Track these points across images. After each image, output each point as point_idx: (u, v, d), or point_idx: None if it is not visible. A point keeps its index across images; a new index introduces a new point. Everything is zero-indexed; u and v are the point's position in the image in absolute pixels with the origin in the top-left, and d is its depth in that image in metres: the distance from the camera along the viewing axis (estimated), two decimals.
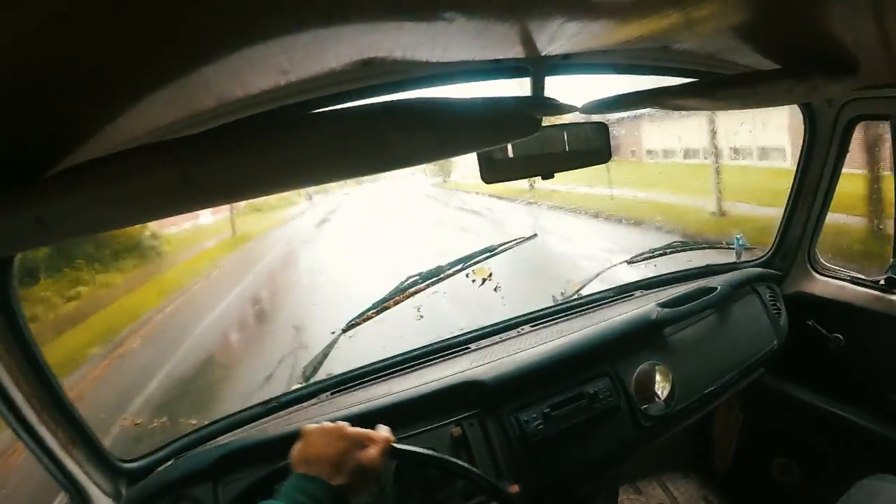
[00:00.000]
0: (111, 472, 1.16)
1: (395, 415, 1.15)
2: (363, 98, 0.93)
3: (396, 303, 1.61)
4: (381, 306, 1.58)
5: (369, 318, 1.56)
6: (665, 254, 1.84)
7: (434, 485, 1.10)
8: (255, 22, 0.47)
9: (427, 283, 1.64)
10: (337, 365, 1.51)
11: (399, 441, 0.89)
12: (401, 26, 0.63)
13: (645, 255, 1.83)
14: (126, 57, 0.45)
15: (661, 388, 1.35)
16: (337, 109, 0.64)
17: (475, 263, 1.72)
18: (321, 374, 1.48)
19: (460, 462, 0.93)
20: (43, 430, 0.99)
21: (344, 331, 1.55)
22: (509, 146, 0.95)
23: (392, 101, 0.65)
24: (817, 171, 1.58)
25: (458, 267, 1.68)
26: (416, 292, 1.63)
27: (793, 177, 1.66)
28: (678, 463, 2.09)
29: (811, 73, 0.97)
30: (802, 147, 1.62)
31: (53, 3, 0.32)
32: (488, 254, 1.73)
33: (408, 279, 1.65)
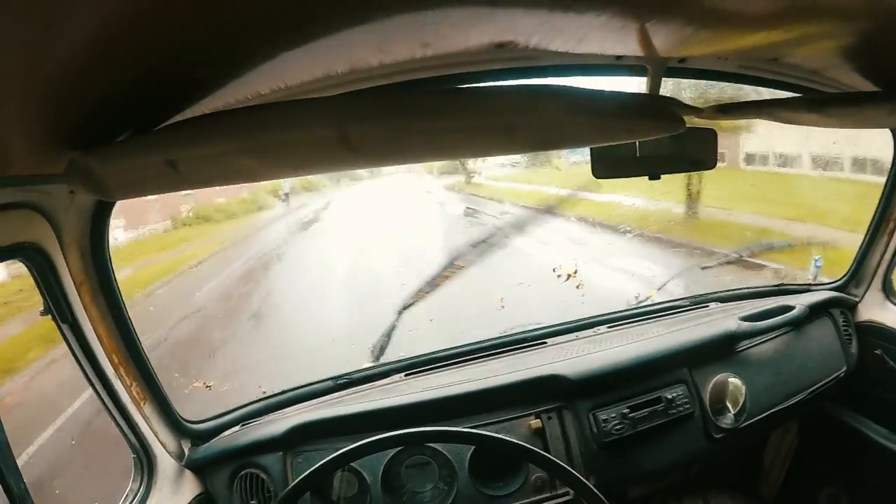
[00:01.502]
0: (176, 432, 1.20)
1: (473, 403, 1.18)
2: (496, 79, 0.95)
3: (447, 278, 1.62)
4: (433, 283, 1.59)
5: (422, 296, 1.58)
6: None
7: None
8: None
9: (476, 252, 1.63)
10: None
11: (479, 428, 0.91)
12: (535, 14, 0.65)
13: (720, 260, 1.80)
14: (271, 6, 0.45)
15: (734, 400, 1.34)
16: (475, 86, 0.66)
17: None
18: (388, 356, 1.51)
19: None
20: (118, 384, 1.04)
21: (399, 313, 1.57)
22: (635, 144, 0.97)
23: (533, 84, 0.66)
24: None
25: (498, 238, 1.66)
26: (462, 266, 1.63)
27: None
28: (725, 483, 2.05)
29: None
30: (889, 173, 1.58)
31: None
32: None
33: (457, 254, 1.65)
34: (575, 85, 0.68)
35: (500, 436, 0.94)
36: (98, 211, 0.96)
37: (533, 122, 0.60)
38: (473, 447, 1.12)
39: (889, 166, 1.57)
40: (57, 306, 0.93)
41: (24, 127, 0.54)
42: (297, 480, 0.94)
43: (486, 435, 0.95)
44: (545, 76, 0.98)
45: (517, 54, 0.89)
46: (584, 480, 0.91)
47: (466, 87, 0.64)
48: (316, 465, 0.93)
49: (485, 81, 0.94)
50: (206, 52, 0.52)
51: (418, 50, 0.75)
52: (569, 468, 0.92)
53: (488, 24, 0.68)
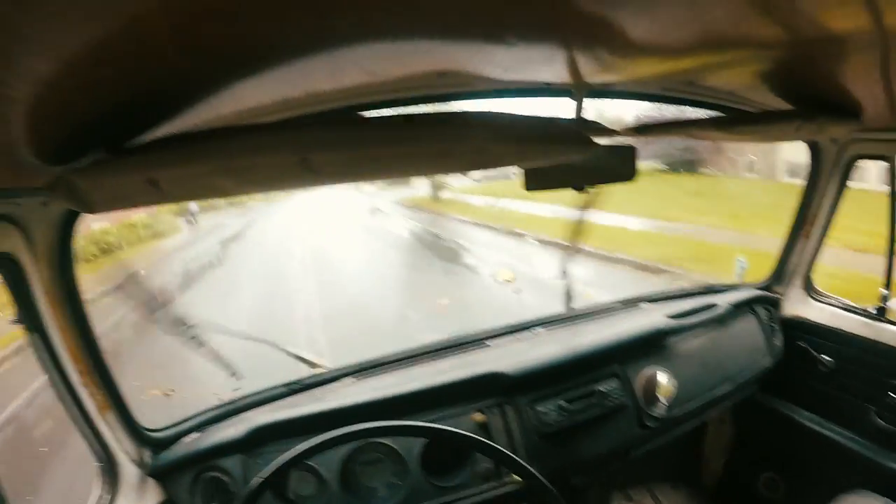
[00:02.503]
0: (138, 440, 1.21)
1: (420, 400, 1.24)
2: (437, 102, 1.04)
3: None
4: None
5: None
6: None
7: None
8: (346, 27, 0.53)
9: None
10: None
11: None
12: (471, 46, 0.74)
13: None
14: (239, 38, 0.49)
15: (665, 392, 1.45)
16: (419, 114, 0.74)
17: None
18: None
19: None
20: (83, 392, 1.06)
21: None
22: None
23: (466, 112, 0.74)
24: (818, 203, 1.71)
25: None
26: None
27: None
28: (668, 474, 2.18)
29: (818, 114, 1.09)
30: (806, 180, 1.75)
31: None
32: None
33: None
34: (505, 110, 0.76)
35: (453, 429, 1.01)
36: (67, 222, 1.00)
37: (465, 149, 0.68)
38: (424, 443, 1.19)
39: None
40: (28, 315, 0.96)
41: (2, 141, 0.56)
42: (256, 478, 0.98)
43: (439, 428, 1.02)
44: (481, 98, 1.08)
45: (456, 80, 0.98)
46: (529, 467, 0.99)
47: (409, 117, 0.69)
48: (274, 463, 0.98)
49: (427, 104, 1.03)
50: (174, 77, 0.56)
51: (367, 77, 0.82)
52: (514, 456, 1.01)
53: (430, 55, 0.76)
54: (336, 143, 0.62)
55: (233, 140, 0.61)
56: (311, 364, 1.45)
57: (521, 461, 1.02)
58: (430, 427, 1.06)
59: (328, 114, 1.00)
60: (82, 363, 1.07)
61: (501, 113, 0.75)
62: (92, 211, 0.64)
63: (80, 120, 0.58)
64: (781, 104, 1.20)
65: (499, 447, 1.02)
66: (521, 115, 0.76)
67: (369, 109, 1.03)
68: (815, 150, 1.66)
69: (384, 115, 0.87)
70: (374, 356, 1.50)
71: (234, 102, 0.76)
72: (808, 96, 1.10)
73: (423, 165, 0.72)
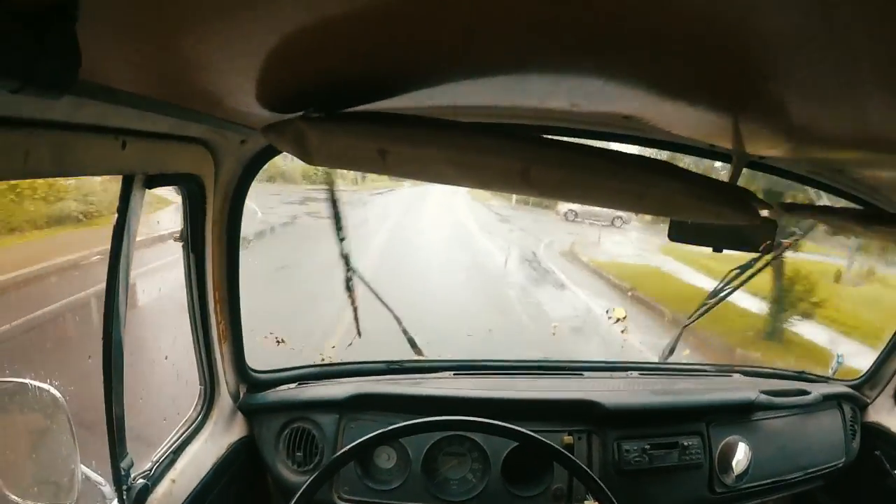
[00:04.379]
0: (240, 375, 1.32)
1: (515, 408, 1.31)
2: (618, 141, 1.15)
3: None
4: None
5: None
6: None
7: None
8: (558, 60, 0.57)
9: None
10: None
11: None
12: (657, 98, 0.79)
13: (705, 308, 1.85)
14: (472, 41, 0.51)
15: (740, 462, 1.46)
16: (627, 154, 0.78)
17: None
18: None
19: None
20: (213, 319, 1.17)
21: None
22: None
23: (660, 162, 0.77)
24: None
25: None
26: None
27: None
28: None
29: None
30: None
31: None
32: None
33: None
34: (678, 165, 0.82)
35: (546, 440, 1.08)
36: (252, 163, 1.11)
37: (657, 195, 0.72)
38: (510, 448, 1.26)
39: None
40: (193, 236, 1.06)
41: (229, 76, 0.62)
42: (354, 443, 1.05)
43: (535, 437, 1.08)
44: (654, 147, 1.17)
45: (637, 125, 1.05)
46: (610, 494, 1.04)
47: (615, 154, 0.73)
48: (377, 432, 1.06)
49: (609, 141, 1.12)
50: (395, 61, 0.60)
51: (567, 105, 0.90)
52: (598, 481, 1.06)
53: (625, 100, 0.83)
54: (554, 163, 0.67)
55: (464, 136, 0.66)
56: (418, 350, 1.54)
57: (604, 487, 1.06)
58: (526, 433, 1.11)
59: (532, 129, 1.09)
60: (220, 293, 1.18)
61: (688, 170, 0.80)
62: (311, 161, 0.68)
63: (304, 77, 0.63)
64: None
65: (586, 468, 1.07)
66: (701, 175, 0.80)
67: (564, 135, 1.12)
68: None
69: (594, 145, 0.95)
70: (474, 357, 1.57)
71: (446, 96, 0.81)
72: None
73: (620, 201, 0.77)
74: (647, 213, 0.85)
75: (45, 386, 0.83)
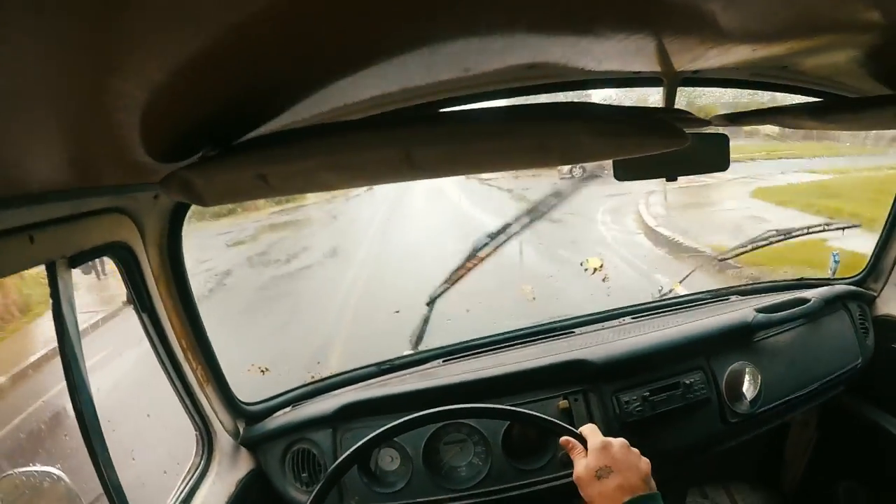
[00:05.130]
0: (234, 412, 1.31)
1: (506, 385, 1.28)
2: (525, 94, 1.07)
3: (469, 269, 1.67)
4: (458, 275, 1.67)
5: (449, 287, 1.66)
6: (759, 247, 1.85)
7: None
8: (443, 26, 0.55)
9: (495, 244, 1.68)
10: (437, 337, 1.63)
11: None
12: (564, 39, 0.75)
13: (738, 251, 1.85)
14: (339, 38, 0.50)
15: (749, 388, 1.41)
16: (516, 106, 0.75)
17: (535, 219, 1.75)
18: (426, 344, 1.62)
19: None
20: (186, 367, 1.16)
21: (428, 304, 1.66)
22: None
23: (561, 104, 0.74)
24: None
25: (524, 222, 1.71)
26: (486, 256, 1.68)
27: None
28: (747, 475, 2.11)
29: None
30: None
31: None
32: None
33: (477, 244, 1.70)
34: (594, 102, 0.77)
35: (534, 412, 1.04)
36: (175, 214, 1.10)
37: (561, 143, 0.68)
38: (506, 425, 1.23)
39: None
40: (139, 297, 1.06)
41: (117, 144, 0.62)
42: (347, 452, 1.04)
43: (521, 411, 1.05)
44: (570, 90, 1.09)
45: (546, 72, 1.00)
46: (576, 430, 1.00)
47: (505, 110, 0.70)
48: (365, 438, 1.03)
49: (516, 97, 1.06)
50: (277, 77, 0.59)
51: (460, 72, 0.85)
52: (561, 423, 1.01)
53: (523, 50, 0.77)
54: (437, 139, 0.64)
55: (337, 136, 0.64)
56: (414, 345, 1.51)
57: (568, 426, 1.03)
58: (512, 410, 1.09)
59: (423, 107, 1.04)
60: (187, 340, 1.17)
61: (595, 104, 0.75)
62: (205, 204, 0.68)
63: (189, 121, 0.62)
64: (879, 89, 1.13)
65: (578, 432, 1.04)
66: (614, 107, 0.76)
67: (462, 103, 1.07)
68: None
69: (480, 108, 0.91)
70: (462, 340, 1.55)
71: (333, 99, 0.80)
72: None
73: (520, 159, 0.73)
74: (555, 165, 0.80)
75: (52, 470, 0.86)
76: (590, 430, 0.94)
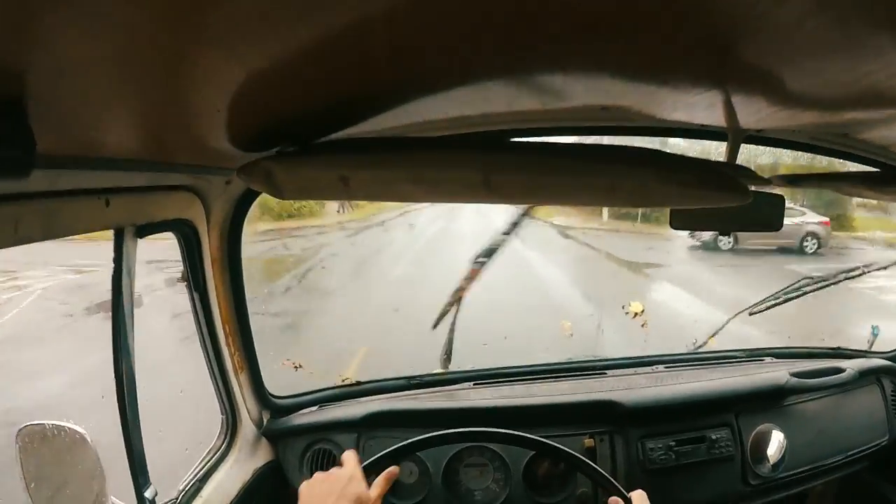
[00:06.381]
0: (261, 402, 1.34)
1: (534, 416, 1.28)
2: (597, 134, 1.10)
3: (466, 286, 1.63)
4: (457, 295, 1.65)
5: (449, 310, 1.65)
6: (790, 298, 1.79)
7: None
8: (526, 60, 0.56)
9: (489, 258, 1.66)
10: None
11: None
12: (639, 86, 0.77)
13: (770, 303, 1.81)
14: (430, 60, 0.52)
15: (774, 451, 1.39)
16: (592, 145, 0.77)
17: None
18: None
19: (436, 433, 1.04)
20: (225, 351, 1.19)
21: (433, 328, 1.66)
22: None
23: (634, 149, 0.75)
24: None
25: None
26: (481, 270, 1.65)
27: None
28: None
29: None
30: None
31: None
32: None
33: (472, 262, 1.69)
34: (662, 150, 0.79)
35: (560, 446, 1.05)
36: (242, 201, 1.14)
37: (632, 186, 0.71)
38: (530, 456, 1.23)
39: None
40: (194, 276, 1.10)
41: (199, 126, 0.65)
42: (373, 458, 1.04)
43: (548, 443, 1.06)
44: (639, 135, 1.12)
45: (618, 115, 1.03)
46: (625, 493, 1.01)
47: (580, 148, 0.72)
48: (392, 447, 1.04)
49: (586, 135, 1.09)
50: (365, 87, 0.61)
51: (538, 105, 0.88)
52: (614, 482, 1.02)
53: (600, 92, 0.80)
54: (516, 168, 0.66)
55: (422, 152, 0.66)
56: (444, 364, 1.53)
57: (620, 487, 1.03)
58: (539, 441, 1.09)
59: (498, 134, 1.08)
60: (230, 326, 1.21)
61: (663, 153, 0.76)
62: (282, 196, 0.70)
63: (273, 115, 0.64)
64: None
65: (601, 471, 1.04)
66: (681, 157, 0.78)
67: (536, 135, 1.11)
68: None
69: (557, 142, 0.94)
70: (495, 366, 1.56)
71: (415, 114, 0.83)
72: None
73: (590, 197, 0.75)
74: (622, 207, 0.83)
75: (74, 427, 0.86)
76: (639, 498, 0.95)
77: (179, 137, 0.70)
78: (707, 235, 8.31)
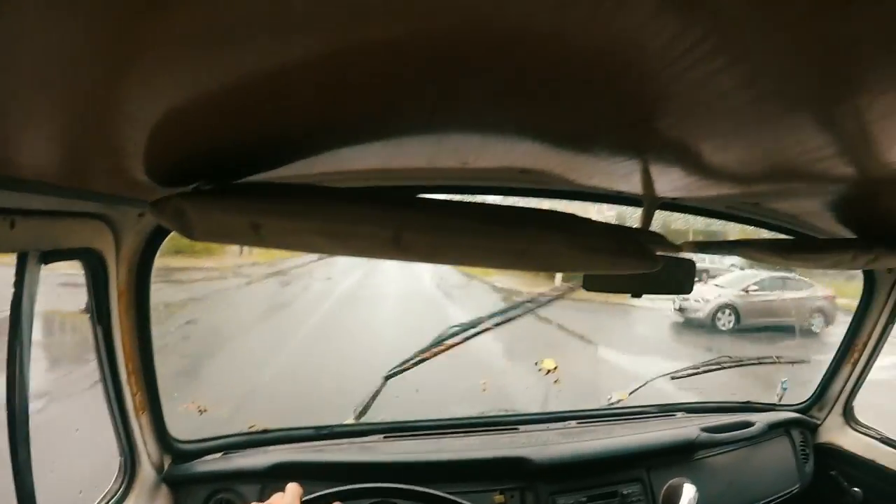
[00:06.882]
0: (163, 445, 1.27)
1: (445, 471, 1.26)
2: (515, 195, 1.11)
3: (434, 354, 1.68)
4: (421, 357, 1.67)
5: (408, 368, 1.65)
6: (711, 370, 1.91)
7: None
8: (447, 118, 0.57)
9: (465, 335, 1.73)
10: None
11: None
12: (558, 152, 0.79)
13: (689, 371, 1.92)
14: (348, 109, 0.51)
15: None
16: (504, 207, 0.77)
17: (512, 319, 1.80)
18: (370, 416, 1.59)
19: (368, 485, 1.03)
20: (127, 390, 1.13)
21: (385, 379, 1.64)
22: None
23: (546, 213, 0.76)
24: (868, 330, 1.68)
25: (498, 320, 1.77)
26: (454, 344, 1.72)
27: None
28: None
29: (876, 245, 1.09)
30: (858, 305, 1.72)
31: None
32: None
33: (448, 330, 1.75)
34: (576, 214, 0.79)
35: (463, 501, 1.03)
36: (154, 235, 1.09)
37: (542, 252, 0.71)
38: None
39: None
40: (98, 309, 1.04)
41: (114, 155, 0.62)
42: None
43: (458, 501, 1.04)
44: (556, 198, 1.14)
45: (537, 179, 1.04)
46: None
47: (493, 210, 0.72)
48: (306, 497, 1.01)
49: (507, 195, 1.10)
50: (284, 132, 0.60)
51: (458, 164, 0.89)
52: None
53: (521, 154, 0.81)
54: (427, 227, 0.65)
55: (335, 205, 0.65)
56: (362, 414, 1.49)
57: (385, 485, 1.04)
58: (448, 498, 1.07)
59: (419, 189, 1.08)
60: (133, 363, 1.14)
61: (577, 218, 0.77)
62: (192, 237, 0.67)
63: (190, 151, 0.63)
64: (842, 230, 1.21)
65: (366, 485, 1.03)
66: (593, 223, 0.79)
67: (455, 192, 1.10)
68: (869, 277, 1.65)
69: (471, 201, 0.94)
70: (406, 419, 1.53)
71: (334, 163, 0.82)
72: (868, 226, 1.12)
73: (500, 261, 0.74)
74: (532, 271, 0.83)
75: None
76: None
77: (94, 164, 0.67)
78: (703, 313, 7.36)
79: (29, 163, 0.60)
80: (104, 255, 0.99)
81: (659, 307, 7.95)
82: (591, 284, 1.10)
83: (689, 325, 7.56)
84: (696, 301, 7.34)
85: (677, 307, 7.64)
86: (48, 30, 0.29)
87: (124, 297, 1.08)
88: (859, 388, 1.75)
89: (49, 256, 0.84)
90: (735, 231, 1.43)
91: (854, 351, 1.72)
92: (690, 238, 1.29)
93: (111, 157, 0.63)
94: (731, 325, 7.44)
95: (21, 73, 0.34)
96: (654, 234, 1.09)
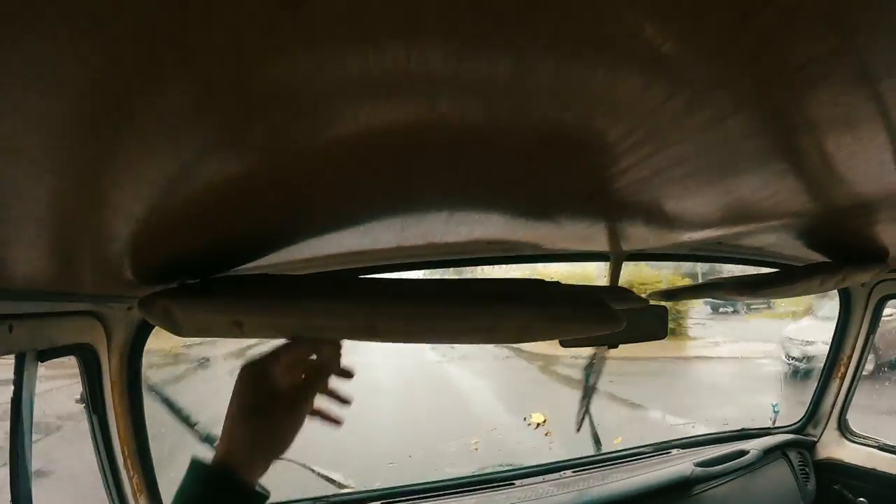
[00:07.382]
0: None
1: None
2: (482, 263, 1.15)
3: None
4: None
5: None
6: None
7: None
8: (411, 202, 0.60)
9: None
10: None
11: None
12: (525, 223, 0.83)
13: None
14: (319, 202, 0.55)
15: None
16: (472, 282, 0.79)
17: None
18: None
19: None
20: (124, 473, 1.15)
21: None
22: None
23: (514, 285, 0.78)
24: (850, 344, 1.72)
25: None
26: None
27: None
28: None
29: (843, 265, 1.14)
30: (837, 322, 1.77)
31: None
32: None
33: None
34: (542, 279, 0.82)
35: None
36: (143, 326, 1.14)
37: (511, 326, 0.72)
38: None
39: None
40: (93, 399, 1.08)
41: (101, 260, 0.66)
42: None
43: None
44: (523, 262, 1.19)
45: (504, 247, 1.09)
46: None
47: (460, 289, 0.75)
48: None
49: (475, 265, 1.15)
50: (258, 229, 0.64)
51: (425, 241, 0.93)
52: None
53: (486, 226, 0.85)
54: (398, 315, 0.68)
55: (311, 299, 0.68)
56: (339, 484, 1.49)
57: None
58: None
59: (390, 268, 1.13)
60: (129, 448, 1.17)
61: (544, 283, 0.80)
62: (180, 335, 0.69)
63: (174, 252, 0.66)
64: (810, 254, 1.26)
65: None
66: (560, 289, 0.82)
67: (424, 268, 1.15)
68: (843, 293, 1.70)
69: (440, 278, 0.98)
70: (401, 484, 1.53)
71: (310, 250, 0.86)
72: (834, 248, 1.17)
73: (471, 338, 0.75)
74: (503, 344, 0.86)
75: None
76: None
77: (82, 270, 0.72)
78: None
79: (22, 273, 0.64)
80: (96, 348, 1.04)
81: (748, 355, 6.32)
82: (568, 342, 1.14)
83: (807, 376, 5.61)
84: (807, 344, 5.59)
85: (790, 355, 5.90)
86: (27, 157, 0.31)
87: (117, 386, 1.12)
88: (850, 400, 1.78)
89: (45, 354, 0.88)
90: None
91: (840, 366, 1.76)
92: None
93: (97, 262, 0.68)
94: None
95: (10, 205, 0.38)
96: (622, 289, 1.14)
